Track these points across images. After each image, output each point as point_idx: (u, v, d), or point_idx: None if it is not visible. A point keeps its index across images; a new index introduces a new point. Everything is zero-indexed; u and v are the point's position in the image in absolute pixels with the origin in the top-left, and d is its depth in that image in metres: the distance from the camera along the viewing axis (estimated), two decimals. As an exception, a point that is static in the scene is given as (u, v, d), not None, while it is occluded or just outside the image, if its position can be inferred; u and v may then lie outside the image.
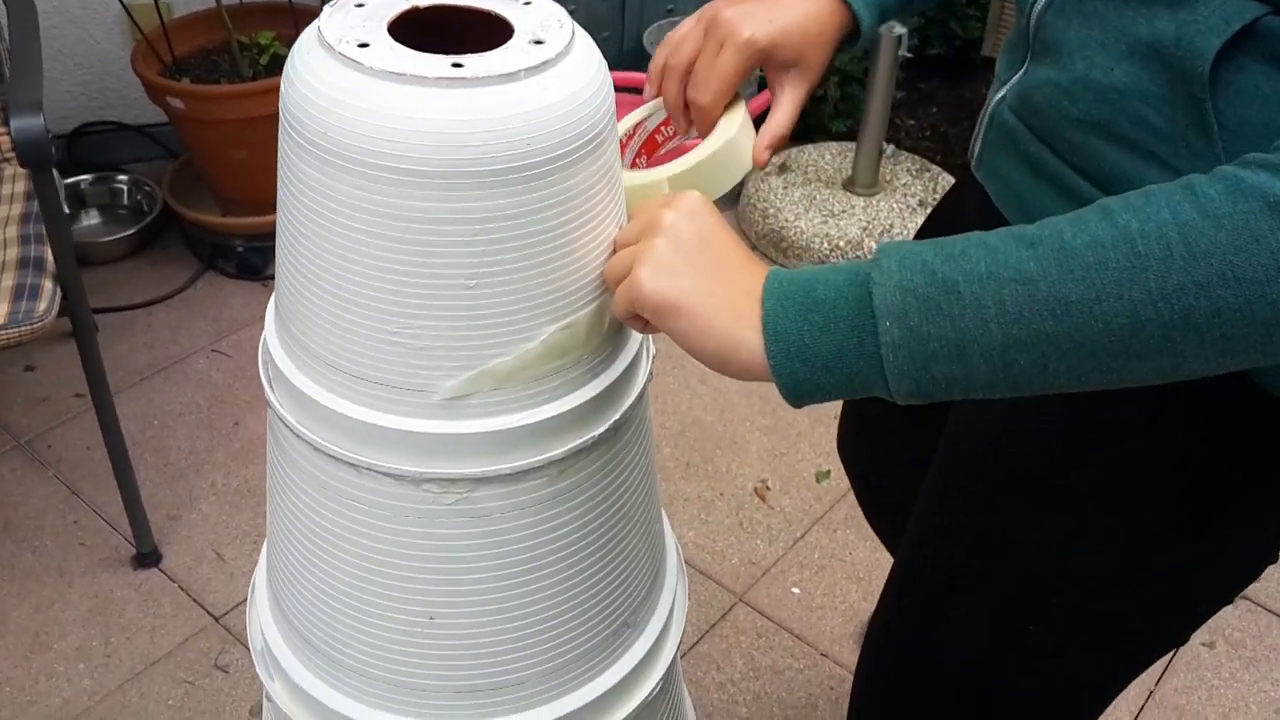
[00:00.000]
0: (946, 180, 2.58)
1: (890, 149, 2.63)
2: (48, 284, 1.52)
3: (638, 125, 0.87)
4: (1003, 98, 0.83)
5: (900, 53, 2.35)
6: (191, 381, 2.12)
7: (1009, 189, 0.83)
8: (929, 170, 2.62)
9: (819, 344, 0.59)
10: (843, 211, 2.47)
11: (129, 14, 2.19)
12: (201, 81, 2.23)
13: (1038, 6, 0.77)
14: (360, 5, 0.67)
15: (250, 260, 2.36)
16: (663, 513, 0.94)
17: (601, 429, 0.73)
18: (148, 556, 1.76)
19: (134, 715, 1.56)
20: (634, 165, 0.88)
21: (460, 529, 0.71)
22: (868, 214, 2.47)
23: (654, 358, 0.81)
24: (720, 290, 0.63)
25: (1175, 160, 0.68)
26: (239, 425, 2.02)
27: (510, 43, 0.64)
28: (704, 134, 0.82)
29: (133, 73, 2.17)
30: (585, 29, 0.70)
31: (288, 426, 0.72)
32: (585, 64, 0.65)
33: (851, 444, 1.28)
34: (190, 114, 2.15)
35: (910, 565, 0.97)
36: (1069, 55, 0.74)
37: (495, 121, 0.60)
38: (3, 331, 1.45)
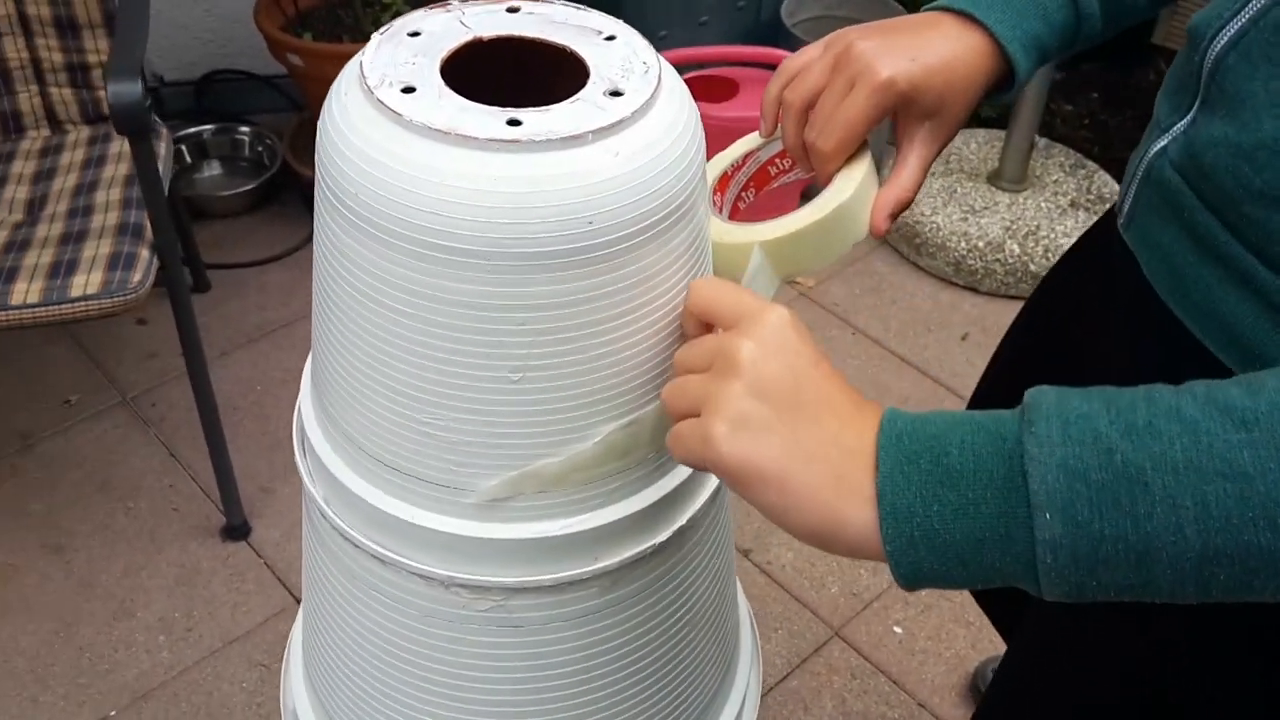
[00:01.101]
0: (1103, 180, 2.38)
1: (1043, 142, 2.43)
2: (144, 253, 1.48)
3: (748, 155, 0.75)
4: (1163, 149, 0.69)
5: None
6: (299, 348, 2.08)
7: (1166, 263, 0.69)
8: (1084, 167, 2.42)
9: (952, 530, 0.46)
10: (985, 208, 2.30)
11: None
12: (323, 38, 2.18)
13: (1218, 45, 0.63)
14: (415, 35, 0.57)
15: (364, 223, 2.31)
16: (738, 588, 0.84)
17: (664, 536, 0.63)
18: (237, 529, 1.74)
19: (206, 695, 1.53)
20: (738, 201, 0.76)
21: (494, 637, 0.63)
22: (1012, 212, 2.29)
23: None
24: (819, 451, 0.49)
25: None
26: (337, 397, 1.98)
27: (582, 93, 0.54)
28: (823, 182, 0.70)
29: (255, 24, 2.13)
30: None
31: (315, 503, 0.64)
32: (671, 122, 0.54)
33: None
34: (309, 71, 2.10)
35: (1016, 667, 0.86)
36: (1254, 111, 0.60)
37: (553, 195, 0.50)
38: (96, 302, 1.42)
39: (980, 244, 2.22)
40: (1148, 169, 0.71)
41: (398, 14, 2.17)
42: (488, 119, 0.51)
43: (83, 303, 1.42)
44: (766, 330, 0.51)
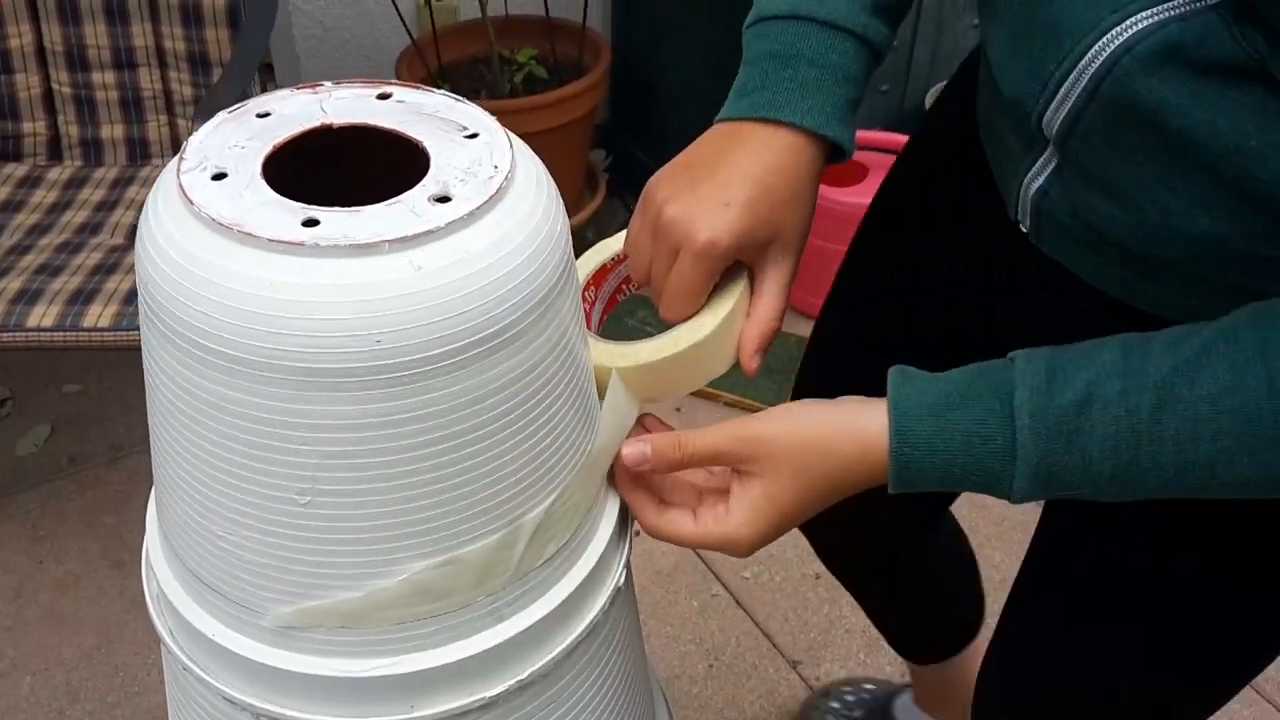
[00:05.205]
0: None
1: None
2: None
3: None
4: (1045, 191, 0.62)
5: None
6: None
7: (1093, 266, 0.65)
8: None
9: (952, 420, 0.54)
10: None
11: (430, 9, 2.17)
12: (459, 93, 2.20)
13: (1053, 127, 0.58)
14: (264, 115, 0.52)
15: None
16: (659, 700, 0.76)
17: (497, 689, 0.55)
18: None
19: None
20: (617, 293, 0.72)
21: (307, 773, 0.57)
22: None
23: (625, 564, 0.62)
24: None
25: None
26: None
27: (406, 194, 0.48)
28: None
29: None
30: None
31: (148, 598, 0.60)
32: (504, 235, 0.48)
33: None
34: (441, 124, 2.12)
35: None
36: (1128, 197, 0.57)
37: (335, 308, 0.45)
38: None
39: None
40: (1036, 206, 0.64)
41: (530, 74, 2.18)
42: (284, 216, 0.46)
43: (149, 331, 1.44)
44: (764, 510, 0.58)
